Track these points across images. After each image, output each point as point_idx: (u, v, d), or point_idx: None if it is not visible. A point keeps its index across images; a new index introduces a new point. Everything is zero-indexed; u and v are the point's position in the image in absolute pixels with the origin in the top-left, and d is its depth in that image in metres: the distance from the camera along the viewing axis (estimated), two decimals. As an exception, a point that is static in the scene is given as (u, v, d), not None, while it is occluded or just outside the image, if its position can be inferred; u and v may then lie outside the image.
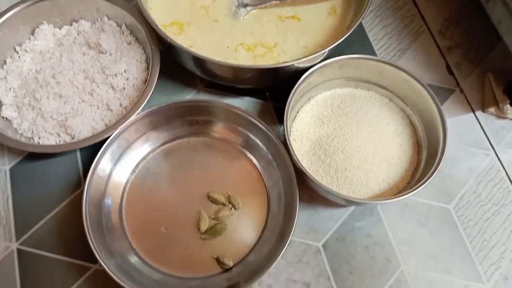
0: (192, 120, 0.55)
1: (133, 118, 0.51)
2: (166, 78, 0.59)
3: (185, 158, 0.55)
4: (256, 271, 0.47)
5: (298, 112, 0.55)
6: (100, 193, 0.50)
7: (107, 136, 0.50)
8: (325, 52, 0.51)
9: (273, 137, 0.52)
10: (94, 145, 0.50)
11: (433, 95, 0.51)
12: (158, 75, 0.54)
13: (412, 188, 0.47)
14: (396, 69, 0.52)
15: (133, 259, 0.49)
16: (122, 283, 0.44)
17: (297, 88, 0.51)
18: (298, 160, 0.48)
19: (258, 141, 0.54)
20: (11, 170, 0.54)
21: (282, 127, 0.49)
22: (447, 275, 0.51)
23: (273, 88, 0.59)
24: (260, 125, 0.52)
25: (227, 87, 0.58)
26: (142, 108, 0.52)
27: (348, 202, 0.50)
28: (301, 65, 0.51)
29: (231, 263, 0.49)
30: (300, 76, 0.51)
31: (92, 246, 0.45)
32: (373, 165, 0.51)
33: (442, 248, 0.52)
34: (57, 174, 0.54)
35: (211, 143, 0.55)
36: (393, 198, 0.47)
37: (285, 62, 0.50)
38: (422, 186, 0.47)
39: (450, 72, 0.62)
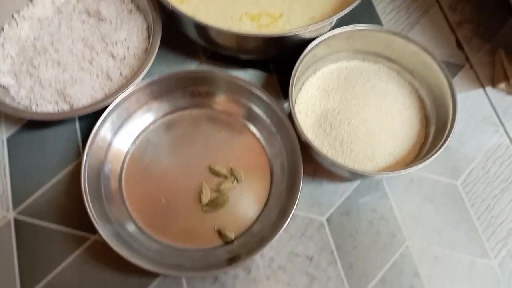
0: (194, 91, 0.54)
1: (133, 87, 0.50)
2: (168, 48, 0.57)
3: (187, 130, 0.53)
4: (258, 244, 0.46)
5: (303, 84, 0.53)
6: (100, 162, 0.49)
7: (106, 104, 0.49)
8: (332, 22, 0.49)
9: (277, 109, 0.51)
10: (93, 115, 0.49)
11: (443, 67, 0.49)
12: (160, 45, 0.52)
13: (419, 161, 0.46)
14: (405, 41, 0.51)
15: (132, 228, 0.48)
16: (121, 253, 0.43)
17: (302, 59, 0.49)
18: (303, 132, 0.46)
19: (261, 113, 0.53)
20: (8, 139, 0.53)
21: (287, 101, 0.48)
22: (453, 250, 0.50)
23: (278, 60, 0.58)
24: (264, 97, 0.51)
25: (230, 59, 0.57)
26: (143, 78, 0.51)
27: (353, 175, 0.48)
28: (307, 35, 0.49)
29: (232, 236, 0.48)
30: (306, 47, 0.50)
31: (91, 215, 0.44)
32: (380, 139, 0.49)
33: (449, 224, 0.51)
34: (55, 144, 0.53)
35: (213, 115, 0.54)
36: (399, 171, 0.45)
37: (291, 31, 0.48)
38: (430, 160, 0.46)
39: (460, 47, 0.60)
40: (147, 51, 0.52)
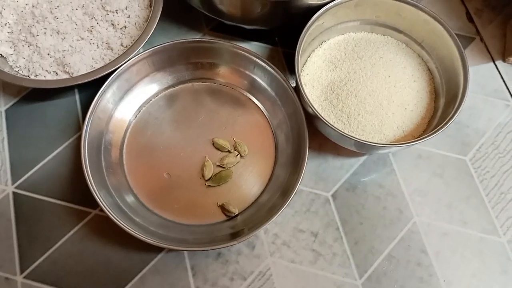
0: (197, 63, 0.52)
1: (134, 58, 0.48)
2: (170, 20, 0.56)
3: (189, 103, 0.52)
4: (261, 219, 0.44)
5: (309, 56, 0.52)
6: (100, 133, 0.48)
7: (107, 72, 0.47)
8: (339, -12, 0.48)
9: (282, 81, 0.49)
10: (93, 87, 0.47)
11: (454, 36, 0.48)
12: (162, 16, 0.51)
13: (428, 134, 0.44)
14: (416, 9, 0.49)
15: (133, 201, 0.47)
16: (122, 225, 0.42)
17: (309, 28, 0.47)
18: (310, 103, 0.45)
19: (266, 85, 0.51)
20: (6, 111, 0.52)
21: (293, 76, 0.46)
22: (462, 227, 0.49)
23: (283, 32, 0.56)
24: (268, 68, 0.50)
25: (234, 30, 0.55)
26: (144, 48, 0.49)
27: (360, 147, 0.47)
28: (314, 2, 0.48)
29: (236, 211, 0.47)
30: (312, 17, 0.48)
31: (91, 186, 0.43)
32: (388, 111, 0.48)
33: (457, 200, 0.50)
34: (55, 116, 0.51)
35: (216, 88, 0.53)
36: (407, 143, 0.44)
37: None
38: (439, 132, 0.44)
39: (470, 19, 0.59)
40: (148, 21, 0.50)
